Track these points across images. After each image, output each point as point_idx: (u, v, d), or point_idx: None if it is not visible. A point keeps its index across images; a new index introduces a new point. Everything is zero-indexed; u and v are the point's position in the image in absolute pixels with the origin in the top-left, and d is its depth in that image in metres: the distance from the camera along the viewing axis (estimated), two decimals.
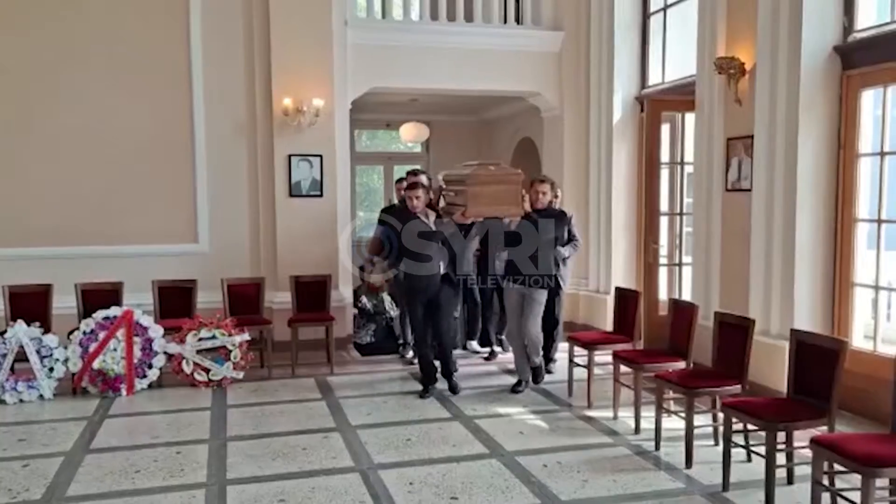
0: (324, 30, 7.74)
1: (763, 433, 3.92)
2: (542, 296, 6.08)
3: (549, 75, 8.72)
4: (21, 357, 5.99)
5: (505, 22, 8.72)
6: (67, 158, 7.50)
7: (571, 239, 6.64)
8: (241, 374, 6.49)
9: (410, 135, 11.31)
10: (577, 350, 6.04)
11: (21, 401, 5.94)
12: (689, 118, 7.16)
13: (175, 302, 6.93)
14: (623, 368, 5.40)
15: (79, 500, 4.05)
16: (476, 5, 8.52)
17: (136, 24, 7.56)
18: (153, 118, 7.65)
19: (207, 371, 6.37)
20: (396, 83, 8.39)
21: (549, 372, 6.57)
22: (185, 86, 7.70)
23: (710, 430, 4.82)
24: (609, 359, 5.68)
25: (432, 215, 6.14)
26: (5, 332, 6.04)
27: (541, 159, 9.70)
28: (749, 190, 6.02)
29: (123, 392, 6.14)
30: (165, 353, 6.36)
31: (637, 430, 5.09)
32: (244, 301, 7.10)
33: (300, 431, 5.18)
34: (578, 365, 6.01)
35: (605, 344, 5.92)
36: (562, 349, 6.73)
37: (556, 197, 6.47)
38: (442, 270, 6.04)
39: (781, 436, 3.96)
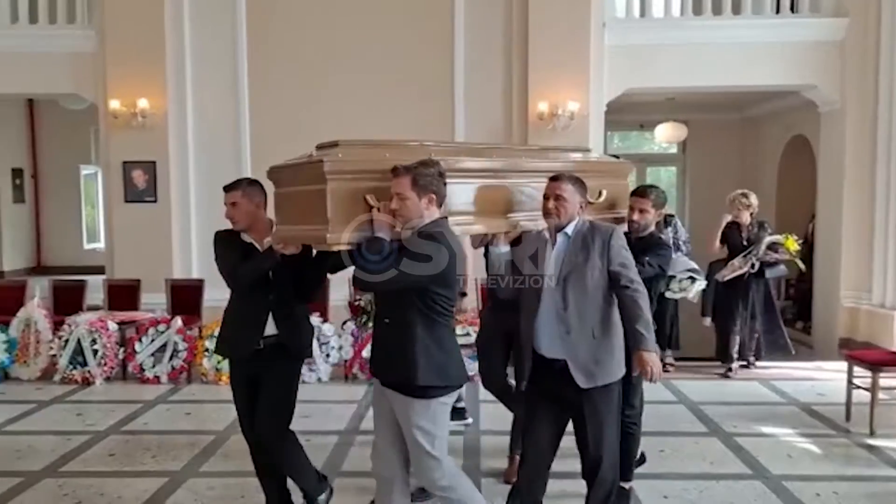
0: (582, 33, 7.76)
1: None
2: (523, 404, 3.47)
3: (829, 66, 7.95)
4: None
5: (778, 11, 8.13)
6: None
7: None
8: None
9: (667, 136, 10.89)
10: (858, 370, 5.41)
11: (303, 382, 6.60)
12: None
13: None
14: None
15: (352, 475, 4.46)
16: None
17: (404, 32, 8.12)
18: (418, 123, 8.12)
19: None
20: (655, 83, 8.18)
21: None
22: (447, 92, 8.14)
23: None
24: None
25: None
26: None
27: (816, 159, 8.86)
28: None
29: None
30: None
31: None
32: None
33: None
34: (858, 387, 5.38)
35: (893, 365, 5.24)
36: (839, 368, 6.06)
37: (659, 216, 4.31)
38: (269, 331, 3.56)
39: None
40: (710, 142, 11.33)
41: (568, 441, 3.28)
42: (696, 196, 11.39)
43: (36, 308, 6.98)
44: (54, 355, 6.70)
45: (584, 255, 3.19)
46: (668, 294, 6.26)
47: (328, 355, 6.70)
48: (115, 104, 7.99)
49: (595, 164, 4.13)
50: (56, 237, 12.45)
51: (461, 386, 3.23)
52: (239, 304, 3.62)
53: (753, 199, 6.54)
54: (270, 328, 3.54)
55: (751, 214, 6.55)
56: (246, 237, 3.55)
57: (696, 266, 6.27)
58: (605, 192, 3.85)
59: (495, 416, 5.10)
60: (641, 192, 4.01)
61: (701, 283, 6.19)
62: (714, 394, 6.18)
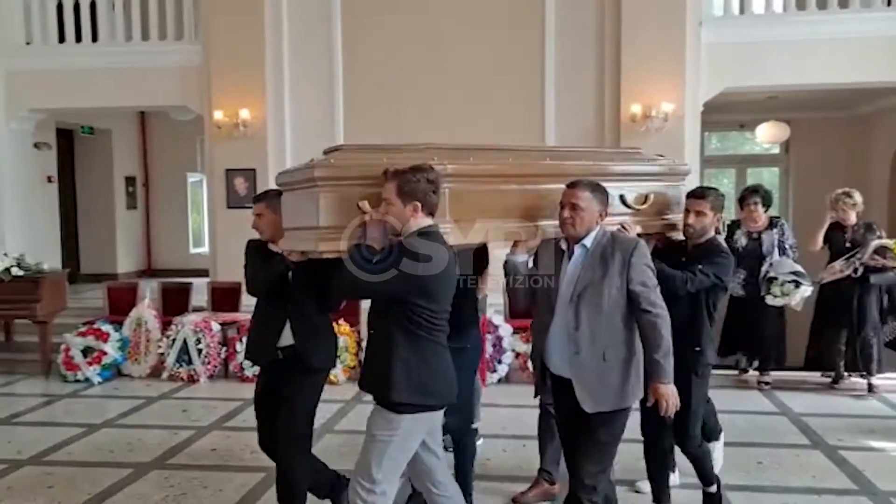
0: (677, 32, 7.59)
1: None
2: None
3: None
4: None
5: (889, 4, 7.69)
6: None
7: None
8: None
9: (768, 135, 10.49)
10: None
11: None
12: None
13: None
14: None
15: None
16: None
17: (495, 35, 8.09)
18: (508, 127, 8.08)
19: None
20: (756, 82, 7.93)
21: None
22: (537, 94, 8.07)
23: None
24: None
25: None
26: None
27: None
28: None
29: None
30: (513, 350, 6.74)
31: None
32: None
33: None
34: None
35: None
36: None
37: (718, 220, 3.83)
38: (286, 341, 3.55)
39: None
40: (815, 141, 10.86)
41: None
42: (800, 198, 10.92)
43: (146, 309, 7.41)
44: (162, 353, 7.08)
45: (601, 270, 2.95)
46: (768, 299, 5.98)
47: None
48: (218, 115, 8.35)
49: (637, 164, 3.70)
50: (165, 241, 13.12)
51: (443, 407, 3.04)
52: (261, 312, 3.70)
53: (858, 198, 6.13)
54: (288, 338, 3.53)
55: (857, 214, 6.18)
56: (273, 247, 3.56)
57: (801, 269, 5.95)
58: (651, 197, 3.57)
59: None
60: (698, 193, 3.65)
61: (806, 289, 5.89)
62: (818, 405, 5.91)
